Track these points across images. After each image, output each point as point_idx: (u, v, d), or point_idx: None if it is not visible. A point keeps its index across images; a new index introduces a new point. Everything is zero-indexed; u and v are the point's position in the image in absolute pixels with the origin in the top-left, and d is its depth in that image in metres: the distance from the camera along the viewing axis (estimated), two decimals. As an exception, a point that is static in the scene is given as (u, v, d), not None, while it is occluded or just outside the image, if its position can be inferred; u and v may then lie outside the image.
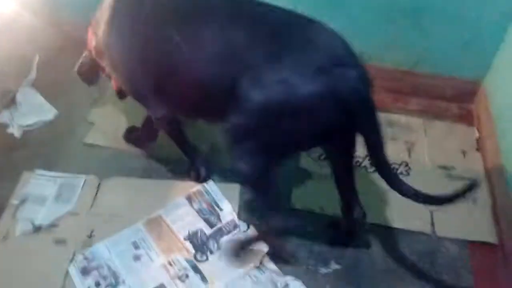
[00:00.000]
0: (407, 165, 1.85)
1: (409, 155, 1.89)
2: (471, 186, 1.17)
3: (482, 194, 1.74)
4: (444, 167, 1.84)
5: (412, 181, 1.76)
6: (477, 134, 1.96)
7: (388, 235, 1.63)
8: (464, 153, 1.90)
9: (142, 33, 1.34)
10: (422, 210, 1.67)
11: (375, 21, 1.96)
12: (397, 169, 1.82)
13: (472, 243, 1.62)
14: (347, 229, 1.56)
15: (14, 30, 1.73)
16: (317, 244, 1.59)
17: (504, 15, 1.79)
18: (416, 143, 1.94)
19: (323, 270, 1.52)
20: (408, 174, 1.82)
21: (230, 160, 1.30)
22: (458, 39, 1.89)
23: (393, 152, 1.82)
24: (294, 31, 1.21)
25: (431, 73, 2.03)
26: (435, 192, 1.67)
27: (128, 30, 1.38)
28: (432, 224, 1.66)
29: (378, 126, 1.21)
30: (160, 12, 1.32)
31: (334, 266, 1.54)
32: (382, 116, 1.95)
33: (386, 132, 1.85)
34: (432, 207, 1.67)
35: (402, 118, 2.04)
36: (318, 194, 1.72)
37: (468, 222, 1.66)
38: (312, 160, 1.84)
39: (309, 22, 1.25)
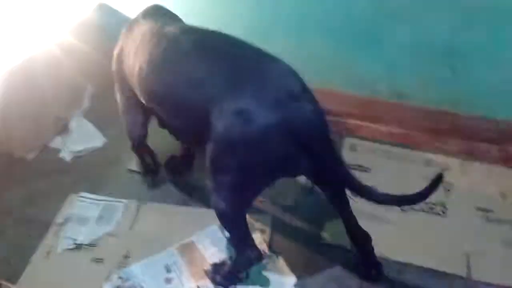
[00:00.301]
0: (443, 205, 1.82)
1: (446, 196, 1.86)
2: (438, 179, 1.23)
3: (519, 237, 1.68)
4: (482, 210, 1.80)
5: (448, 222, 1.75)
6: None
7: (421, 275, 1.59)
8: (503, 196, 1.85)
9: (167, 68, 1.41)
10: (458, 252, 1.64)
11: (412, 62, 2.01)
12: (432, 209, 1.80)
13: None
14: (365, 262, 1.55)
15: (69, 61, 1.89)
16: (348, 277, 1.58)
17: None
18: (454, 183, 1.90)
19: (352, 306, 1.51)
20: (445, 214, 1.79)
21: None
22: (496, 80, 1.89)
23: (390, 185, 1.83)
24: (256, 66, 1.28)
25: (470, 114, 2.02)
26: (473, 236, 1.66)
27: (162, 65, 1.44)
28: (468, 267, 1.61)
29: (334, 151, 1.27)
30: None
31: (363, 302, 1.52)
32: (419, 155, 2.00)
33: (422, 171, 1.88)
34: (468, 250, 1.64)
35: (440, 158, 2.02)
36: (349, 230, 1.72)
37: (505, 266, 1.60)
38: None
39: (271, 59, 1.32)
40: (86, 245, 1.67)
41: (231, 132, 1.19)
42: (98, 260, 1.62)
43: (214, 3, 2.17)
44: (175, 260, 1.61)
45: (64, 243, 1.66)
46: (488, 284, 1.55)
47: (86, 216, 1.77)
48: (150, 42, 1.45)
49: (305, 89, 1.27)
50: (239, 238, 1.45)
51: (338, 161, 1.29)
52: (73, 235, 1.70)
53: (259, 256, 1.46)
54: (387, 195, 1.30)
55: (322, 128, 1.23)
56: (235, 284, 1.54)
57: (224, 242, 1.67)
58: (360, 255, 1.56)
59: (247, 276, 1.55)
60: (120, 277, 1.55)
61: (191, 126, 1.37)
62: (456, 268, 1.60)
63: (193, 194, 1.86)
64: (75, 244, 1.66)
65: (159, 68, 1.39)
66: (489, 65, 1.88)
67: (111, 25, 2.19)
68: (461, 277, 1.58)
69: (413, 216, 1.78)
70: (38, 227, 1.73)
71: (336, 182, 1.34)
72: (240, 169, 1.24)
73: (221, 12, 2.16)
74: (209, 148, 1.26)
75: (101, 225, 1.74)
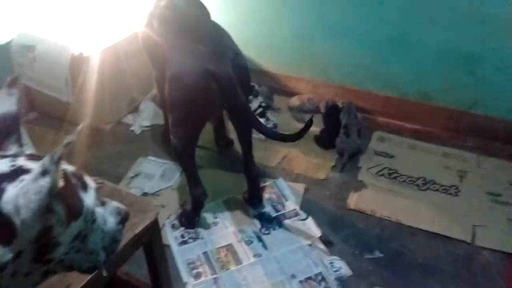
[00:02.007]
0: (457, 188, 2.07)
1: (461, 181, 2.10)
2: (310, 122, 1.57)
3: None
4: (492, 194, 2.03)
5: (460, 201, 2.01)
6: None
7: (431, 238, 1.84)
8: (512, 184, 2.08)
9: None
10: (466, 224, 1.89)
11: (435, 66, 2.30)
12: (446, 190, 2.06)
13: (510, 255, 1.77)
14: (250, 193, 1.97)
15: (143, 53, 2.30)
16: (365, 236, 1.86)
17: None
18: (469, 172, 2.15)
19: (367, 256, 1.78)
20: (457, 195, 2.04)
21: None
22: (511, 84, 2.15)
23: (445, 177, 2.10)
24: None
25: (487, 114, 2.27)
26: (481, 213, 1.92)
27: None
28: (473, 235, 1.85)
29: (241, 99, 1.59)
30: None
31: (378, 254, 1.78)
32: (438, 148, 2.25)
33: (441, 161, 2.15)
34: (475, 222, 1.88)
35: (457, 151, 2.27)
36: (371, 201, 2.01)
37: (507, 237, 1.83)
38: (370, 175, 2.14)
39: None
40: (151, 194, 2.03)
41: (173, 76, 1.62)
42: (161, 206, 1.97)
43: (263, 9, 2.55)
44: (221, 209, 1.95)
45: (135, 191, 2.03)
46: (489, 249, 1.79)
47: (151, 173, 2.15)
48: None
49: (226, 53, 1.61)
50: (189, 175, 1.81)
51: (244, 105, 1.62)
52: (141, 186, 2.07)
53: (204, 193, 1.81)
54: (276, 132, 1.88)
55: (232, 82, 1.55)
56: (194, 224, 1.87)
57: (263, 200, 1.99)
58: (249, 188, 1.95)
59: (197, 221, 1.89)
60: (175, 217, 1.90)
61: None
62: (462, 235, 1.84)
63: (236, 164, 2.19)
64: (143, 192, 2.03)
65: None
66: (504, 70, 2.14)
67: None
68: (465, 242, 1.82)
69: (428, 194, 2.04)
70: (111, 179, 2.10)
71: (242, 121, 1.73)
72: (180, 112, 1.64)
73: (271, 18, 2.54)
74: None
75: (163, 181, 2.11)
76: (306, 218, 1.93)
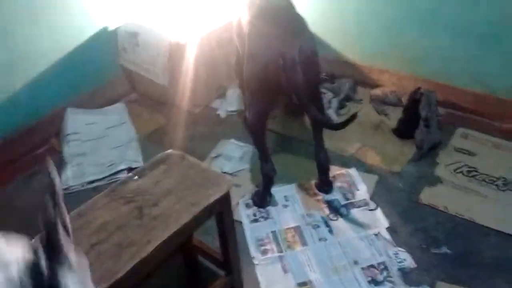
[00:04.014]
0: (505, 180, 2.00)
1: None
2: (353, 116, 1.61)
3: None
4: None
5: (506, 195, 1.92)
6: None
7: (504, 239, 1.79)
8: None
9: None
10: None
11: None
12: (494, 181, 2.00)
13: None
14: (321, 180, 2.06)
15: (233, 42, 2.45)
16: (435, 231, 1.85)
17: None
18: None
19: (434, 251, 1.78)
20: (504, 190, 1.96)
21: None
22: None
23: (492, 168, 2.07)
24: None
25: None
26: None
27: None
28: (554, 241, 1.76)
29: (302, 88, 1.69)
30: None
31: (445, 250, 1.77)
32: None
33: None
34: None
35: None
36: (445, 197, 1.98)
37: None
38: (448, 171, 2.11)
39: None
40: (229, 173, 2.20)
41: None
42: (237, 185, 2.12)
43: (354, 1, 2.58)
44: (293, 193, 2.06)
45: (215, 169, 2.21)
46: None
47: (231, 155, 2.31)
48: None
49: (297, 38, 1.73)
50: (260, 151, 1.96)
51: (299, 85, 1.68)
52: (221, 166, 2.24)
53: (273, 169, 1.95)
54: (323, 118, 1.89)
55: (294, 62, 1.66)
56: (265, 203, 2.01)
57: (334, 188, 2.06)
58: (319, 174, 2.04)
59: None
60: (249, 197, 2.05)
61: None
62: (540, 240, 1.76)
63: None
64: (222, 172, 2.20)
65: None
66: None
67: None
68: (542, 247, 1.74)
69: (508, 195, 1.96)
70: (196, 158, 2.29)
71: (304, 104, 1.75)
72: (253, 86, 1.81)
73: (360, 9, 2.56)
74: None
75: (242, 163, 2.26)
76: (375, 208, 1.97)
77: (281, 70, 1.69)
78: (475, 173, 2.08)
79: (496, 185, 2.01)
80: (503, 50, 2.23)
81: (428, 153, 2.20)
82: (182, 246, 1.69)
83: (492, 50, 2.27)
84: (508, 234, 1.80)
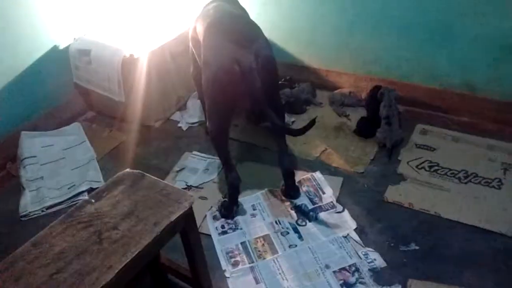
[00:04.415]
0: (500, 181, 2.02)
1: (504, 174, 2.05)
2: (312, 122, 1.67)
3: None
4: (538, 187, 1.96)
5: (502, 194, 1.97)
6: None
7: (469, 232, 1.82)
8: (563, 177, 1.99)
9: None
10: (507, 218, 1.84)
11: (481, 56, 2.24)
12: (489, 183, 2.01)
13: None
14: (287, 186, 2.04)
15: (188, 53, 2.41)
16: (402, 228, 1.87)
17: None
18: (513, 165, 2.09)
19: (403, 248, 1.79)
20: (499, 188, 1.98)
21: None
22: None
23: (488, 170, 2.07)
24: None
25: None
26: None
27: None
28: (515, 228, 1.80)
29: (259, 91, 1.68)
30: None
31: (413, 246, 1.79)
32: (483, 141, 2.20)
33: (485, 153, 2.10)
34: None
35: (503, 144, 2.20)
36: (409, 194, 2.00)
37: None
38: (410, 168, 2.13)
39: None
40: (194, 187, 2.15)
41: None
42: (203, 198, 2.08)
43: (303, 5, 2.59)
44: (260, 201, 2.04)
45: (179, 184, 2.17)
46: (532, 244, 1.74)
47: (196, 168, 2.27)
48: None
49: (252, 45, 1.72)
50: (223, 160, 1.94)
51: (257, 91, 1.68)
52: (186, 179, 2.20)
53: (237, 177, 1.93)
54: (283, 125, 1.91)
55: (251, 68, 1.67)
56: (232, 213, 1.97)
57: (301, 193, 2.05)
58: (285, 179, 2.02)
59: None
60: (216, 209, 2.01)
61: None
62: (502, 228, 1.80)
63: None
64: (187, 185, 2.16)
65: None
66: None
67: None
68: (506, 236, 1.78)
69: (470, 187, 2.00)
70: (159, 173, 2.25)
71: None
72: (211, 95, 1.81)
73: (311, 13, 2.58)
74: None
75: (207, 175, 2.23)
76: (343, 210, 1.97)
77: (238, 78, 1.67)
78: (436, 167, 2.12)
79: (458, 178, 2.05)
80: (452, 47, 2.29)
81: (393, 149, 2.23)
82: (149, 266, 1.64)
83: (441, 47, 2.32)
84: (473, 226, 1.83)
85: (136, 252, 1.17)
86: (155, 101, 2.56)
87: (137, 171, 1.47)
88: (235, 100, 1.78)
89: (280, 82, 2.64)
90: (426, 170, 2.12)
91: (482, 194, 1.96)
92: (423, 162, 2.15)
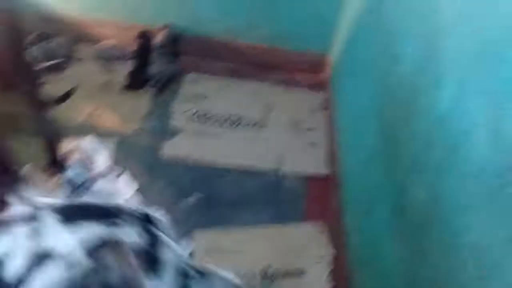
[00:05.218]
0: (264, 121, 2.20)
1: (267, 114, 2.23)
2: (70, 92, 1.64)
3: (322, 139, 2.12)
4: (295, 122, 2.21)
5: (267, 134, 2.13)
6: (325, 97, 2.35)
7: (241, 174, 1.94)
8: (312, 111, 2.28)
9: None
10: (273, 155, 2.02)
11: (238, 4, 2.30)
12: (255, 125, 2.17)
13: (311, 177, 1.97)
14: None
15: None
16: (180, 183, 1.87)
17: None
18: (275, 104, 2.28)
19: (184, 202, 1.80)
20: (265, 127, 2.16)
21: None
22: (303, 17, 2.28)
23: (254, 112, 2.21)
24: None
25: (287, 48, 2.40)
26: (287, 142, 2.05)
27: None
28: (280, 163, 2.00)
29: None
30: None
31: (193, 199, 1.82)
32: (248, 85, 2.32)
33: (251, 98, 2.24)
34: (281, 152, 2.03)
35: (265, 86, 2.38)
36: (184, 146, 2.02)
37: (309, 161, 2.02)
38: (183, 119, 2.14)
39: None
40: None
41: None
42: None
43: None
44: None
45: None
46: (293, 174, 1.96)
47: None
48: None
49: None
50: None
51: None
52: None
53: None
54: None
55: None
56: None
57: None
58: (49, 152, 1.79)
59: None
60: None
61: None
62: (269, 165, 1.98)
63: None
64: None
65: None
66: (294, 3, 2.25)
67: None
68: (273, 172, 1.96)
69: (240, 130, 2.12)
70: None
71: None
72: None
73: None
74: None
75: None
76: (122, 173, 1.86)
77: None
78: (209, 115, 2.17)
79: (229, 123, 2.14)
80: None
81: (163, 104, 2.19)
82: None
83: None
84: (242, 170, 1.95)
85: None
86: None
87: None
88: None
89: (32, 38, 2.28)
90: (199, 119, 2.15)
91: (250, 135, 2.11)
92: (195, 112, 2.18)
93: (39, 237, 0.59)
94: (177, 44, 2.35)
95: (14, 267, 0.56)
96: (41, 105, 1.63)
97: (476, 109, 0.88)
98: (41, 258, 0.57)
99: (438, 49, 1.09)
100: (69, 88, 1.48)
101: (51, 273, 0.56)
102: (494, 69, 0.84)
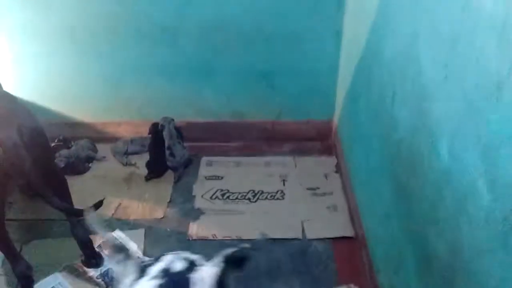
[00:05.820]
0: (282, 192, 2.29)
1: (284, 184, 2.33)
2: (101, 202, 1.69)
3: (341, 202, 2.19)
4: (311, 188, 2.29)
5: (287, 203, 2.20)
6: (336, 161, 2.45)
7: (270, 245, 1.99)
8: (326, 176, 2.37)
9: None
10: (296, 222, 2.09)
11: (240, 86, 2.49)
12: (274, 196, 2.25)
13: (335, 239, 2.02)
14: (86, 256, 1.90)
15: None
16: (210, 262, 1.93)
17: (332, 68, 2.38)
18: (289, 174, 2.39)
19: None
20: (283, 198, 2.25)
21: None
22: (300, 90, 2.44)
23: (270, 185, 2.28)
24: None
25: (293, 120, 2.55)
26: (306, 208, 2.12)
27: None
28: (303, 230, 2.06)
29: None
30: None
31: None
32: (260, 160, 2.44)
33: (264, 170, 2.34)
34: (303, 218, 2.10)
35: (276, 159, 2.50)
36: (210, 226, 2.09)
37: (332, 225, 2.08)
38: (205, 201, 2.23)
39: None
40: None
41: None
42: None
43: (62, 59, 2.45)
44: (60, 281, 1.84)
45: None
46: (318, 239, 2.01)
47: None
48: None
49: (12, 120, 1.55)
50: (4, 252, 1.71)
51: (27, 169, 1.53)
52: None
53: (27, 266, 1.70)
54: (62, 204, 1.67)
55: (15, 145, 1.48)
56: None
57: (104, 257, 1.93)
58: (82, 249, 1.88)
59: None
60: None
61: None
62: (293, 233, 2.04)
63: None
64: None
65: None
66: (292, 79, 2.42)
67: None
68: (297, 239, 2.02)
69: (259, 204, 2.21)
70: None
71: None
72: None
73: (78, 68, 2.46)
74: None
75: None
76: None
77: (4, 160, 1.47)
78: (228, 194, 2.27)
79: (248, 198, 2.24)
80: (217, 80, 2.49)
81: (184, 188, 2.30)
82: None
83: (208, 82, 2.50)
84: (271, 239, 2.01)
85: None
86: None
87: None
88: (4, 185, 1.56)
89: (53, 144, 2.45)
90: (219, 199, 2.25)
91: (271, 207, 2.19)
92: (215, 192, 2.28)
93: None
94: (181, 132, 2.50)
95: None
96: (75, 212, 1.73)
97: (473, 160, 0.97)
98: None
99: (428, 111, 1.20)
100: (98, 200, 1.60)
101: None
102: (482, 124, 0.94)
